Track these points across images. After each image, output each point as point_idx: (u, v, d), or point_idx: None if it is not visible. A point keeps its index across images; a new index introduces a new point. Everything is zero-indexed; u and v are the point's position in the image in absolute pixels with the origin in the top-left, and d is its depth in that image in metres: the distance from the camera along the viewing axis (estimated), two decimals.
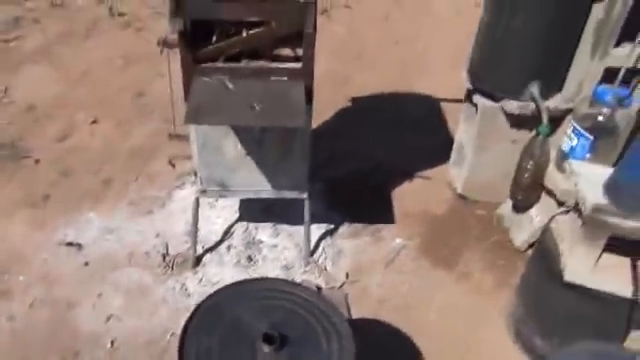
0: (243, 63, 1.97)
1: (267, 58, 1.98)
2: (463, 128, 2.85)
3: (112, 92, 3.45)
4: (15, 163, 2.85)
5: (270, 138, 2.08)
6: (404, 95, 3.63)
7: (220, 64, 1.94)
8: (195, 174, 2.24)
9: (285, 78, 1.94)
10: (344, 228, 2.63)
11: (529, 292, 2.11)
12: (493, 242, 2.63)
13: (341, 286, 2.35)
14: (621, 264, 1.78)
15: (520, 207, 2.61)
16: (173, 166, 2.83)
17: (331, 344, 1.38)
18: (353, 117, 3.41)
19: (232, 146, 2.10)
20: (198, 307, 1.43)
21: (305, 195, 2.28)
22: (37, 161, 2.87)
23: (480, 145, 2.68)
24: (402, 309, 2.28)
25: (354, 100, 3.54)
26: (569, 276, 1.80)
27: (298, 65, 1.94)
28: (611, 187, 1.71)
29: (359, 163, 3.02)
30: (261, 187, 2.24)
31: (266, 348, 1.32)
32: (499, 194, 2.71)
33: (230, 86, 1.90)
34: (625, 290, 1.75)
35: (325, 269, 2.42)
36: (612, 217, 1.65)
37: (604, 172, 1.78)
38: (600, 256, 1.75)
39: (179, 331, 2.08)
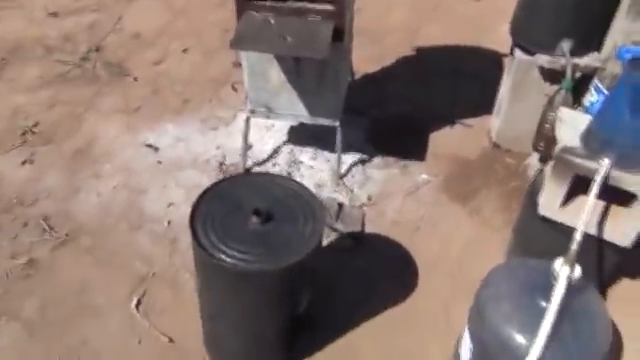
0: (288, 3, 2.32)
1: (308, 0, 2.31)
2: (505, 80, 3.01)
3: (205, 26, 3.95)
4: (119, 79, 3.46)
5: (306, 69, 2.44)
6: (468, 48, 3.78)
7: (268, 2, 2.31)
8: (246, 96, 2.66)
9: (319, 18, 2.27)
10: (376, 159, 2.95)
11: (519, 228, 2.34)
12: (513, 187, 2.82)
13: (361, 206, 2.70)
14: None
15: (544, 157, 2.77)
16: (235, 90, 3.29)
17: (307, 225, 1.77)
18: (412, 65, 3.64)
19: (275, 73, 2.49)
20: (211, 186, 1.87)
21: (337, 123, 2.63)
22: (135, 79, 3.46)
23: (514, 96, 2.84)
24: (411, 231, 2.60)
25: (417, 49, 3.75)
26: (541, 209, 2.02)
27: (331, 7, 2.26)
28: (585, 133, 1.89)
29: (406, 106, 3.29)
30: (300, 112, 2.62)
31: (255, 219, 1.74)
32: (530, 145, 2.87)
33: (272, 21, 2.27)
34: (590, 227, 1.94)
35: (352, 191, 2.78)
36: (577, 158, 1.84)
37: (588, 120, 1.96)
38: (570, 195, 1.95)
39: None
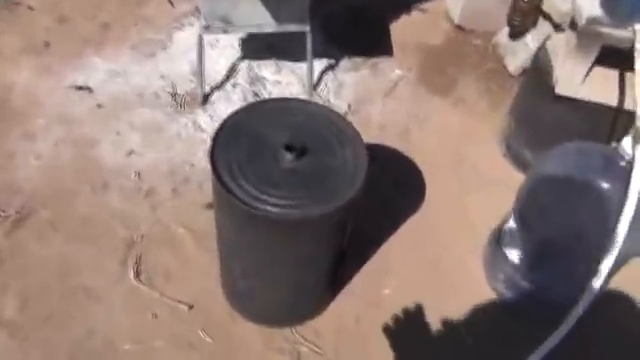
0: None
1: None
2: None
3: None
4: (9, 10, 2.80)
5: None
6: None
7: None
8: (198, 11, 2.24)
9: None
10: (344, 62, 2.70)
11: (521, 109, 2.26)
12: (488, 69, 2.73)
13: (344, 115, 2.48)
14: (609, 76, 1.91)
15: (516, 33, 2.67)
16: (172, 4, 2.81)
17: (345, 150, 1.54)
18: None
19: None
20: (223, 125, 1.55)
21: (307, 28, 2.32)
22: (30, 7, 2.82)
23: None
24: (403, 134, 2.44)
25: None
26: (560, 89, 1.93)
27: None
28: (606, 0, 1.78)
29: None
30: (263, 21, 2.27)
31: (288, 157, 1.47)
32: (495, 23, 2.76)
33: None
34: (611, 99, 1.89)
35: (328, 101, 2.54)
36: (605, 27, 1.74)
37: None
38: (591, 68, 1.87)
39: (197, 162, 2.30)
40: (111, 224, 2.06)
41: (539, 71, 2.07)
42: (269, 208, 1.39)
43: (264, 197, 1.41)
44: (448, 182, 2.28)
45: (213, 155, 1.48)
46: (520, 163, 2.29)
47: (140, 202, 2.14)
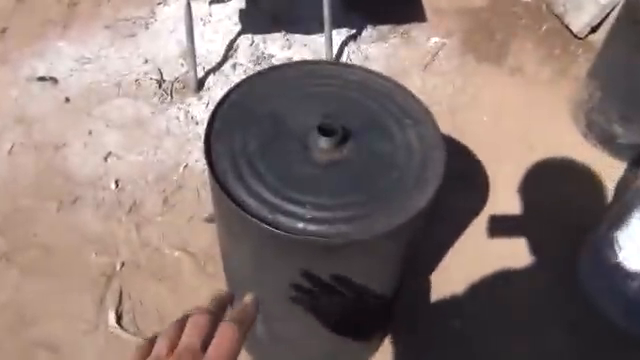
0: None
1: None
2: None
3: None
4: None
5: None
6: None
7: None
8: None
9: None
10: (368, 31, 2.19)
11: (609, 72, 1.75)
12: (546, 30, 2.21)
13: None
14: None
15: None
16: None
17: (405, 132, 1.03)
18: None
19: None
20: (222, 102, 1.05)
21: None
22: None
23: None
24: (450, 113, 1.93)
25: None
26: None
27: None
28: None
29: None
30: None
31: (324, 143, 0.97)
32: None
33: None
34: None
35: None
36: None
37: None
38: None
39: (193, 164, 1.80)
40: (83, 251, 1.56)
41: (636, 22, 1.56)
42: (297, 224, 0.89)
43: (289, 207, 0.90)
44: (516, 173, 1.77)
45: (209, 146, 0.98)
46: (608, 143, 1.78)
47: (121, 220, 1.64)
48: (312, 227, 0.88)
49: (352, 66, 1.18)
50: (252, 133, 1.00)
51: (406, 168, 0.98)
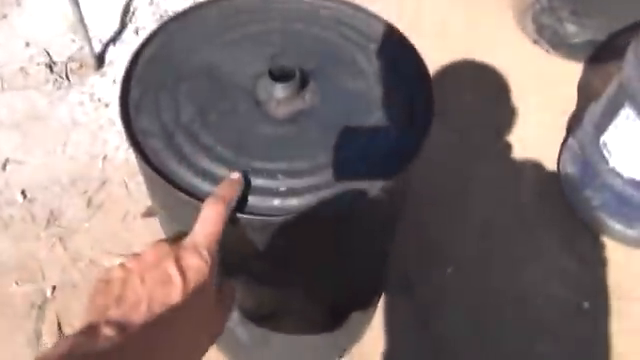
0: None
1: None
2: None
3: None
4: None
5: None
6: None
7: None
8: None
9: None
10: None
11: None
12: None
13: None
14: None
15: None
16: None
17: (374, 64, 0.82)
18: None
19: None
20: (133, 64, 0.80)
21: None
22: None
23: None
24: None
25: None
26: None
27: None
28: None
29: None
30: None
31: (280, 91, 0.74)
32: None
33: None
34: None
35: None
36: None
37: None
38: None
39: (112, 153, 1.52)
40: (0, 283, 1.28)
41: None
42: (271, 201, 0.67)
43: (255, 181, 0.68)
44: (474, 99, 1.62)
45: (129, 125, 0.73)
46: (561, 45, 1.66)
47: (39, 236, 1.36)
48: (292, 202, 0.67)
49: None
50: (184, 96, 0.75)
51: (386, 105, 0.78)
